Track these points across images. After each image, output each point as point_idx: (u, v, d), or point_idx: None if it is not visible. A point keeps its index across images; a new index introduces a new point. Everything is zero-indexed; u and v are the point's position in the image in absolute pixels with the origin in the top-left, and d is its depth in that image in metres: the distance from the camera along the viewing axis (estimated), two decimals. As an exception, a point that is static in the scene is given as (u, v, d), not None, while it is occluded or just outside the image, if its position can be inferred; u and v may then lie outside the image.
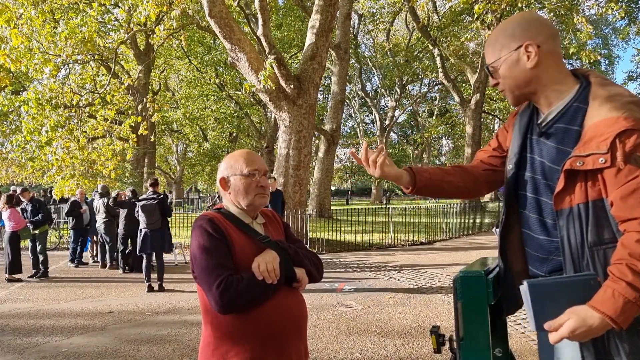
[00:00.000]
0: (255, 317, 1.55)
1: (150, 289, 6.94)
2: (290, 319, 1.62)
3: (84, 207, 9.76)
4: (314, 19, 11.99)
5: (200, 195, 41.13)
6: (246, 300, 1.51)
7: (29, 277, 8.08)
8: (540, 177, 1.46)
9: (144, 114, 14.89)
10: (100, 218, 9.25)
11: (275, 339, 1.57)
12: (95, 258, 10.13)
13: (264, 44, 11.17)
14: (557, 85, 1.42)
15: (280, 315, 1.59)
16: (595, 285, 1.25)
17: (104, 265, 9.31)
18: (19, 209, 8.43)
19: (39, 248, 8.34)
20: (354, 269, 8.54)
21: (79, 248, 9.68)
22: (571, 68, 1.50)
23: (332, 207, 20.40)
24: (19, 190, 8.96)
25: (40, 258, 8.28)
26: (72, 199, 10.22)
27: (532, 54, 1.39)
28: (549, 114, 1.45)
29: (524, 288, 1.27)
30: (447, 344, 1.66)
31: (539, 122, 1.49)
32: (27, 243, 9.21)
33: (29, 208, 8.54)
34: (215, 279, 1.50)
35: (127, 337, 4.71)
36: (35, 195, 9.62)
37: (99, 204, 9.30)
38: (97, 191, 9.77)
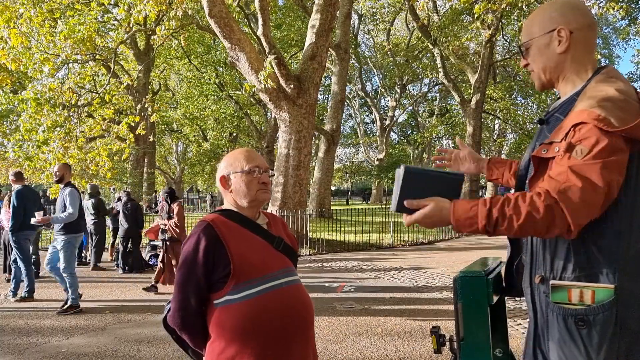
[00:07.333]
0: (260, 319, 1.54)
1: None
2: (294, 322, 1.59)
3: None
4: (314, 19, 11.99)
5: (200, 195, 41.12)
6: (180, 333, 1.68)
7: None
8: None
9: (142, 113, 14.89)
10: (89, 218, 9.23)
11: (278, 341, 1.55)
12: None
13: (264, 43, 11.16)
14: (574, 76, 1.44)
15: (285, 317, 1.57)
16: (459, 184, 1.43)
17: (95, 267, 9.17)
18: None
19: (32, 249, 8.33)
20: (354, 269, 8.53)
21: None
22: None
23: (332, 207, 20.39)
24: None
25: (33, 258, 8.27)
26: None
27: (564, 39, 1.40)
28: (556, 104, 1.48)
29: (399, 171, 1.38)
30: (448, 344, 1.65)
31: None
32: None
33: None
34: (179, 303, 1.60)
35: (127, 337, 4.71)
36: None
37: (88, 203, 9.28)
38: (87, 191, 9.78)
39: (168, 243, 6.90)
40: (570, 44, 1.40)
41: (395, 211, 1.39)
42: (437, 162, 1.93)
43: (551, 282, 1.33)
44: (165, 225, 6.98)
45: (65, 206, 5.67)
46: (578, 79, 1.42)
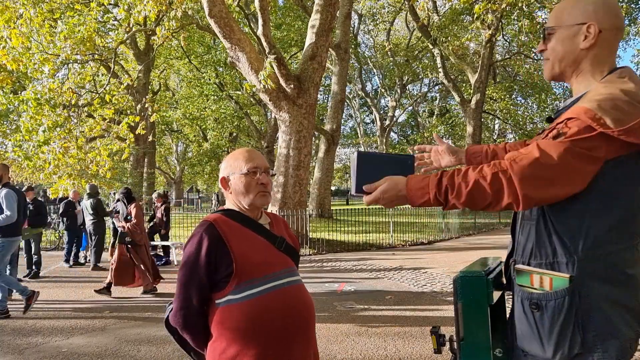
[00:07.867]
0: (262, 319, 1.54)
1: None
2: (295, 322, 1.60)
3: (78, 207, 9.75)
4: (314, 19, 11.99)
5: (201, 195, 41.10)
6: (182, 333, 1.67)
7: (23, 277, 8.03)
8: None
9: (142, 113, 14.89)
10: (88, 219, 9.21)
11: (279, 341, 1.55)
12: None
13: (264, 43, 11.16)
14: (589, 75, 1.41)
15: (286, 317, 1.57)
16: (411, 164, 1.51)
17: (95, 267, 9.12)
18: None
19: (33, 248, 8.34)
20: (354, 269, 8.54)
21: (74, 248, 9.66)
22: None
23: (332, 207, 20.39)
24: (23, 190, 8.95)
25: (35, 258, 8.27)
26: (66, 199, 10.22)
27: (591, 36, 1.37)
28: (566, 102, 1.46)
29: (353, 156, 1.46)
30: (448, 344, 1.65)
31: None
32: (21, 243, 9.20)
33: (30, 207, 8.54)
34: (181, 303, 1.60)
35: (127, 337, 4.71)
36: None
37: (87, 204, 9.27)
38: (87, 191, 9.78)
39: (130, 247, 6.61)
40: (595, 43, 1.37)
41: (355, 193, 1.44)
42: (419, 160, 1.96)
43: (516, 266, 1.40)
44: (124, 228, 6.67)
45: (2, 209, 5.39)
46: (592, 80, 1.40)
